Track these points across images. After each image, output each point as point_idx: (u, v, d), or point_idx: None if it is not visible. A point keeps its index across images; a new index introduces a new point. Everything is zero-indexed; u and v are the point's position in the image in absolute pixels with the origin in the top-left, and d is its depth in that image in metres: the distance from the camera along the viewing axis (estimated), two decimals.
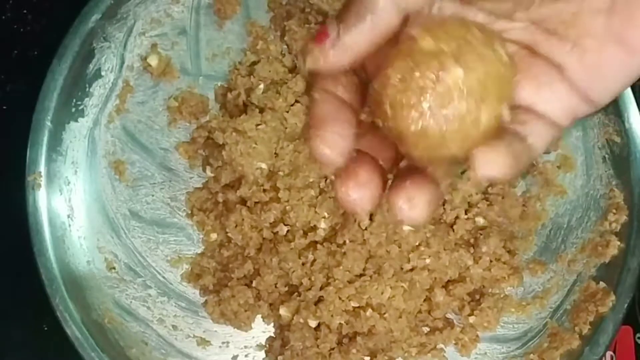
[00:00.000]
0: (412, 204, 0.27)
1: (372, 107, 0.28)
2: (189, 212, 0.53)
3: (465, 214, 0.50)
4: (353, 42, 0.27)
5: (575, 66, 0.28)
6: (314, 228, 0.49)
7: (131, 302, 0.52)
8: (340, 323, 0.49)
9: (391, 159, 0.31)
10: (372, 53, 0.28)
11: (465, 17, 0.29)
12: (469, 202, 0.51)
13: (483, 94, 0.27)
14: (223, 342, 0.52)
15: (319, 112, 0.28)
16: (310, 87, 0.29)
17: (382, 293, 0.48)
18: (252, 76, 0.52)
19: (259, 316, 0.51)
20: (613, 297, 0.49)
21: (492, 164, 0.26)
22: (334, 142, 0.27)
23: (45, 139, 0.50)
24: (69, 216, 0.51)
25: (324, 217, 0.49)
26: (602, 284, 0.50)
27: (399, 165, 0.31)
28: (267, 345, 0.51)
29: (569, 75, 0.29)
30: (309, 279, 0.49)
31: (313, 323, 0.49)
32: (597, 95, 0.29)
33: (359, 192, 0.28)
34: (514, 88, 0.29)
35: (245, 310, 0.50)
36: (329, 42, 0.27)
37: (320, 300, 0.49)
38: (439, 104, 0.26)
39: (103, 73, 0.52)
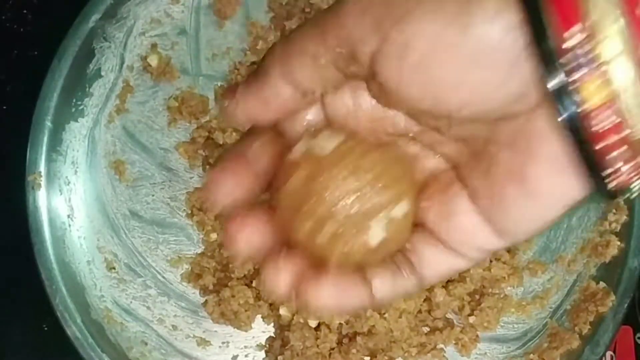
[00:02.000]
0: (279, 276, 0.26)
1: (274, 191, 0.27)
2: (189, 212, 0.53)
3: None
4: (244, 105, 0.26)
5: (486, 195, 0.26)
6: None
7: (131, 302, 0.52)
8: (340, 323, 0.49)
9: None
10: (272, 121, 0.27)
11: (397, 123, 0.27)
12: None
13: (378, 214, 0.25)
14: (223, 342, 0.52)
15: (236, 148, 0.27)
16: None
17: None
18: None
19: (259, 316, 0.51)
20: (613, 297, 0.48)
21: (313, 298, 0.25)
22: (224, 184, 0.26)
23: (45, 139, 0.50)
24: (69, 216, 0.51)
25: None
26: (602, 284, 0.50)
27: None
28: (267, 345, 0.51)
29: (481, 204, 0.26)
30: None
31: (313, 323, 0.49)
32: (507, 231, 0.26)
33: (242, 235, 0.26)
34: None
35: (245, 310, 0.50)
36: (228, 100, 0.27)
37: None
38: (335, 221, 0.25)
39: (103, 73, 0.52)
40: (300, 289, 0.26)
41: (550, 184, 0.24)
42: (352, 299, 0.26)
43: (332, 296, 0.26)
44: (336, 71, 0.25)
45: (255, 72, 0.26)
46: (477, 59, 0.22)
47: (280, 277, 0.26)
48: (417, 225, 0.28)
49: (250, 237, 0.26)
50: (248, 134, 0.28)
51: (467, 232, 0.27)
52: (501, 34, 0.22)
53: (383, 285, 0.26)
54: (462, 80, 0.23)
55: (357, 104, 0.27)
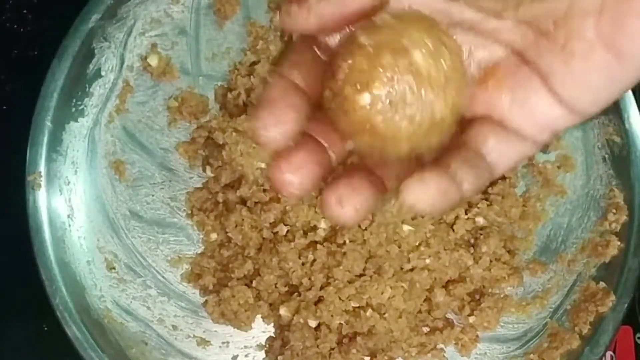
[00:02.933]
0: (342, 204, 0.27)
1: (325, 81, 0.28)
2: (189, 212, 0.53)
3: (465, 214, 0.50)
4: (319, 8, 0.27)
5: (562, 72, 0.27)
6: (314, 228, 0.49)
7: (131, 302, 0.52)
8: (340, 323, 0.49)
9: (343, 152, 0.30)
10: (342, 27, 0.28)
11: (452, 13, 0.28)
12: (469, 202, 0.51)
13: (436, 87, 0.26)
14: (223, 342, 0.52)
15: (266, 95, 0.28)
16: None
17: (382, 293, 0.48)
18: (252, 76, 0.52)
19: (259, 316, 0.51)
20: (613, 297, 0.48)
21: (418, 198, 0.26)
22: (271, 124, 0.27)
23: (45, 139, 0.50)
24: (69, 216, 0.51)
25: (324, 217, 0.49)
26: (602, 284, 0.50)
27: (347, 161, 0.30)
28: (267, 345, 0.51)
29: (554, 83, 0.27)
30: (309, 279, 0.49)
31: (313, 323, 0.49)
32: (582, 105, 0.27)
33: (291, 175, 0.27)
34: (466, 85, 0.28)
35: (245, 310, 0.50)
36: (301, 5, 0.27)
37: (320, 300, 0.49)
38: (392, 92, 0.26)
39: (103, 73, 0.52)
40: (405, 191, 0.26)
41: None
42: (450, 194, 0.27)
43: (436, 192, 0.26)
44: None
45: None
46: None
47: (346, 207, 0.27)
48: (482, 118, 0.28)
49: (299, 177, 0.27)
50: (288, 55, 0.28)
51: (541, 114, 0.27)
52: None
53: (467, 179, 0.27)
54: None
55: (410, 5, 0.27)
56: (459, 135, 0.29)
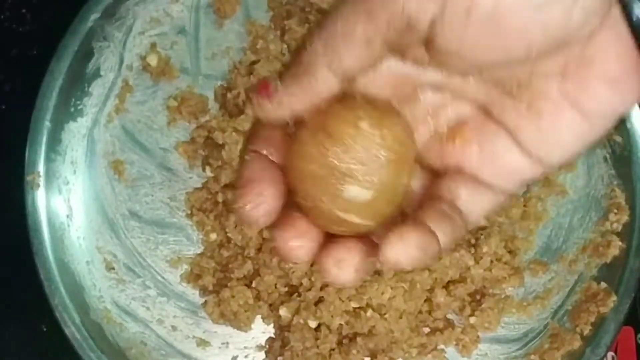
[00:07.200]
0: (340, 267, 0.28)
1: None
2: (189, 212, 0.52)
3: None
4: (289, 101, 0.28)
5: (530, 129, 0.28)
6: None
7: (130, 302, 0.51)
8: (340, 324, 0.49)
9: None
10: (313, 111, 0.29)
11: (418, 75, 0.29)
12: None
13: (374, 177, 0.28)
14: (223, 343, 0.52)
15: (245, 173, 0.29)
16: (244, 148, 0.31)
17: (382, 293, 0.48)
18: (252, 76, 0.51)
19: (258, 317, 0.51)
20: (614, 298, 0.48)
21: (399, 255, 0.26)
22: (256, 203, 0.28)
23: (44, 138, 0.50)
24: (67, 216, 0.51)
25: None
26: (603, 285, 0.50)
27: None
28: (267, 346, 0.51)
29: (522, 139, 0.28)
30: (309, 279, 0.49)
31: (313, 324, 0.49)
32: (550, 159, 0.28)
33: (298, 242, 0.29)
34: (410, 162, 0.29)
35: (245, 311, 0.50)
36: (268, 97, 0.28)
37: (320, 300, 0.49)
38: (334, 189, 0.28)
39: (102, 73, 0.52)
40: (386, 250, 0.26)
41: (604, 101, 0.26)
42: (429, 249, 0.27)
43: (416, 248, 0.26)
44: (384, 48, 0.26)
45: (294, 67, 0.28)
46: None
47: (345, 269, 0.28)
48: (454, 171, 0.29)
49: (307, 241, 0.29)
50: (256, 133, 0.30)
51: (510, 167, 0.29)
52: None
53: (445, 232, 0.28)
54: (532, 22, 0.24)
55: (376, 71, 0.28)
56: (432, 187, 0.30)
